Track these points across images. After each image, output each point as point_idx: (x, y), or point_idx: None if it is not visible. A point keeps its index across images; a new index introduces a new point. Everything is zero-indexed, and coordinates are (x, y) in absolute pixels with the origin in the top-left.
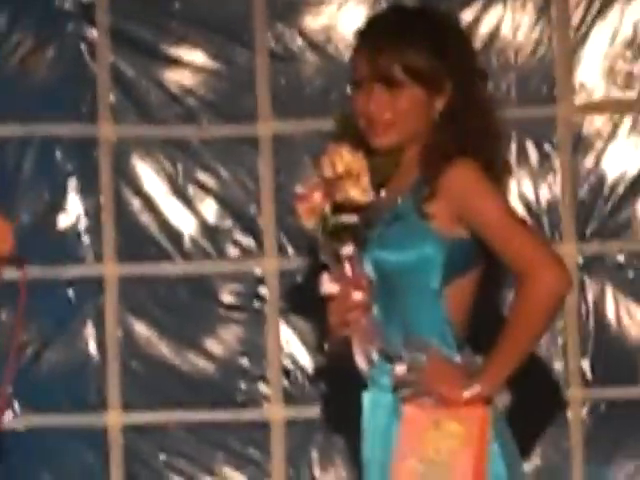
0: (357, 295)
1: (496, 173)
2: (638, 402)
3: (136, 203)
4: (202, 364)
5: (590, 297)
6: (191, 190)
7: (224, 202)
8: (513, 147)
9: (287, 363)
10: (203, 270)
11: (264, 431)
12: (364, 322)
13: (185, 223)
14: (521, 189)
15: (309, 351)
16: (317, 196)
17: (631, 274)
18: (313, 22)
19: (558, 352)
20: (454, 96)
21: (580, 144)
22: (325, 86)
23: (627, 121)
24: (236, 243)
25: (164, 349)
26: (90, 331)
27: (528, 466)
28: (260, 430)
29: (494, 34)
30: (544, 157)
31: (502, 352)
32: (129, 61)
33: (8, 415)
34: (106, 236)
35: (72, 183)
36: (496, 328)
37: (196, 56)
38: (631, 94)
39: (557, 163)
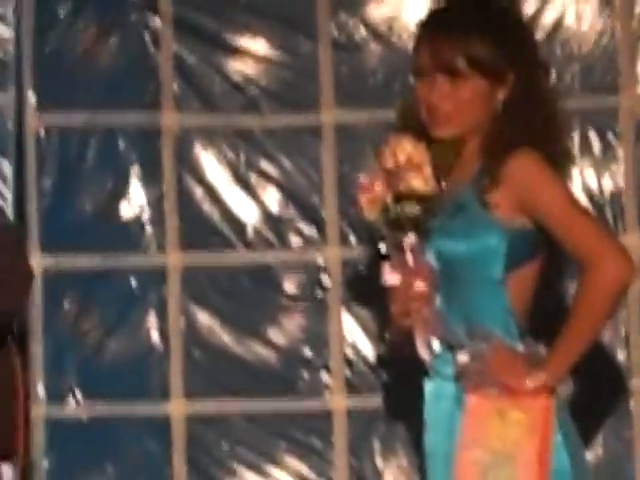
0: (419, 285)
1: (558, 163)
2: None
3: (199, 192)
4: (264, 353)
5: None
6: (253, 179)
7: (287, 191)
8: (576, 137)
9: (349, 353)
10: (266, 259)
11: (326, 421)
12: (426, 312)
13: (248, 212)
14: (584, 179)
15: (371, 340)
16: (379, 187)
17: None
18: (376, 12)
19: (621, 342)
20: (516, 87)
21: None
22: (388, 76)
23: None
24: (299, 232)
25: (226, 338)
26: (153, 320)
27: (590, 456)
28: (322, 420)
29: (558, 24)
30: (607, 147)
31: (566, 341)
32: (192, 50)
33: (71, 404)
34: (169, 225)
35: (135, 172)
36: (557, 318)
37: (259, 45)
38: None
39: (620, 153)
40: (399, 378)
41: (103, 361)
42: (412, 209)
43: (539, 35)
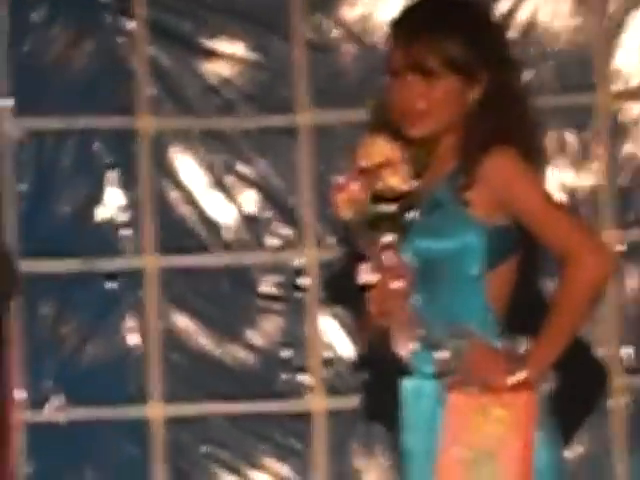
0: (396, 284)
1: (533, 161)
2: None
3: (175, 195)
4: (243, 355)
5: (631, 285)
6: (230, 181)
7: (263, 193)
8: (553, 135)
9: (328, 353)
10: (243, 261)
11: (306, 422)
12: (404, 311)
13: (225, 214)
14: (561, 177)
15: (350, 341)
16: (355, 186)
17: None
18: (350, 12)
19: (599, 340)
20: (489, 85)
21: (619, 131)
22: (363, 76)
23: None
24: (276, 234)
25: (205, 341)
26: (131, 324)
27: (570, 454)
28: (302, 421)
29: (531, 22)
30: (583, 145)
31: (547, 336)
32: (167, 53)
33: (50, 408)
34: (146, 228)
35: (111, 176)
36: (536, 313)
37: (234, 47)
38: None
39: (596, 151)
40: (378, 378)
41: (82, 365)
42: (389, 208)
43: (513, 33)
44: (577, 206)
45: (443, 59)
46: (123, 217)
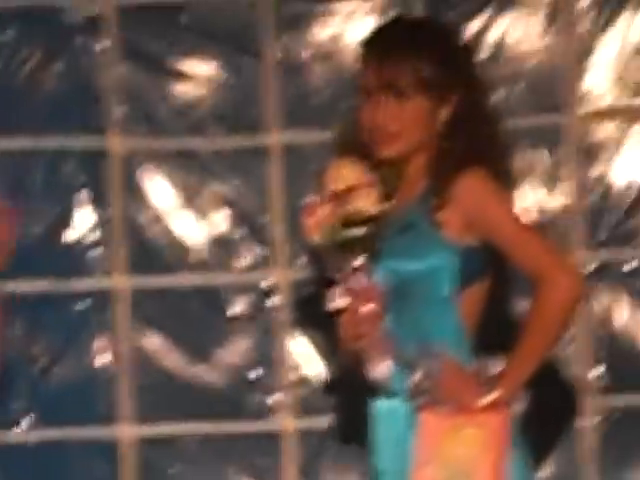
0: (368, 307)
1: (503, 182)
2: None
3: (146, 216)
4: (213, 376)
5: (601, 305)
6: (201, 201)
7: (235, 213)
8: (523, 155)
9: (297, 374)
10: (213, 281)
11: (276, 442)
12: (376, 333)
13: (196, 234)
14: (532, 197)
15: (320, 361)
16: (324, 210)
17: None
18: (320, 32)
19: (569, 360)
20: (459, 106)
21: (589, 152)
22: (333, 96)
23: (636, 128)
24: (246, 254)
25: (175, 361)
26: (101, 344)
27: (541, 474)
28: (272, 441)
29: (501, 43)
30: (553, 165)
31: (519, 357)
32: (137, 73)
33: (20, 428)
34: (116, 249)
35: (81, 196)
36: (506, 333)
37: (204, 68)
38: (639, 102)
39: (566, 171)
40: (349, 398)
41: (52, 385)
42: (359, 231)
43: (483, 54)
44: (548, 225)
45: (415, 79)
46: (93, 237)
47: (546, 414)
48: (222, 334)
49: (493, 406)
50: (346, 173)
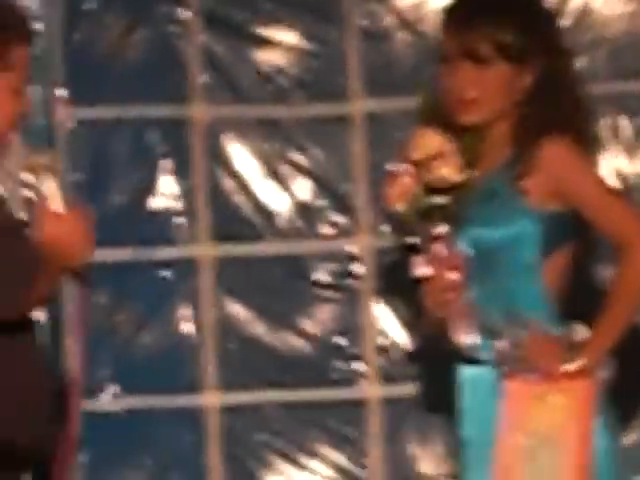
0: (452, 275)
1: (587, 148)
2: None
3: (229, 183)
4: (298, 343)
5: None
6: (284, 170)
7: (317, 181)
8: (606, 121)
9: (383, 341)
10: (297, 250)
11: (360, 409)
12: (461, 301)
13: (279, 203)
14: (615, 163)
15: (405, 329)
16: (407, 178)
17: None
18: (403, 0)
19: None
20: (541, 73)
21: None
22: (417, 64)
23: None
24: (330, 222)
25: (260, 329)
26: (185, 313)
27: (627, 440)
28: (356, 408)
29: (584, 9)
30: (637, 131)
31: (604, 323)
32: (220, 42)
33: (106, 397)
34: (200, 217)
35: (165, 164)
36: (593, 301)
37: (287, 36)
38: None
39: None
40: (433, 366)
41: (137, 354)
42: (442, 199)
43: (566, 21)
44: (631, 192)
45: (495, 46)
46: (177, 206)
47: (631, 381)
48: (306, 302)
49: (579, 373)
50: (428, 141)
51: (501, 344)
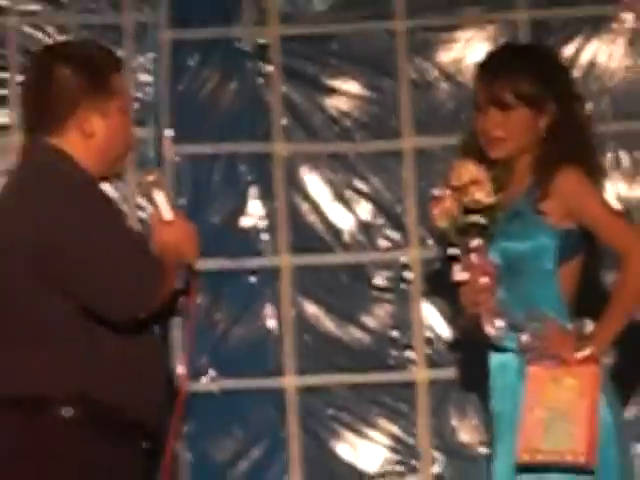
0: (484, 280)
1: (594, 176)
2: None
3: (304, 206)
4: (360, 336)
5: None
6: (348, 195)
7: (375, 204)
8: (609, 155)
9: (429, 334)
10: (359, 259)
11: (411, 389)
12: (491, 301)
13: (344, 221)
14: (616, 189)
15: (447, 323)
16: (448, 201)
17: None
18: (446, 56)
19: None
20: (557, 115)
21: None
22: (456, 108)
23: None
24: (386, 237)
25: (329, 324)
26: (269, 311)
27: (628, 414)
28: (408, 389)
29: (592, 63)
30: (635, 163)
31: (609, 319)
32: (297, 91)
33: (206, 380)
34: (281, 233)
35: (253, 191)
36: (599, 301)
37: (351, 86)
38: None
39: None
40: (470, 353)
41: (230, 345)
42: (476, 218)
43: (577, 72)
44: (630, 212)
45: (516, 95)
46: (262, 224)
47: (630, 366)
48: (367, 302)
49: (587, 360)
50: (465, 171)
51: (524, 336)
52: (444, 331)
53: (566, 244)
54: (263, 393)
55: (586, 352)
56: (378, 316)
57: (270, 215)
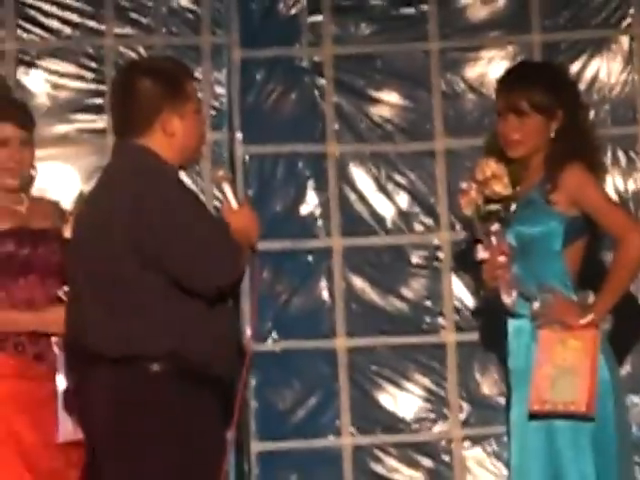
0: (502, 258)
1: (596, 172)
2: None
3: (353, 197)
4: (400, 305)
5: None
6: (390, 187)
7: (412, 195)
8: (608, 154)
9: (457, 303)
10: (399, 241)
11: (442, 350)
12: (508, 276)
13: (386, 209)
14: (615, 183)
15: (472, 294)
16: (473, 192)
17: None
18: (472, 72)
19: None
20: (564, 121)
21: None
22: (480, 115)
23: None
24: (421, 223)
25: (374, 295)
26: (323, 284)
27: (623, 371)
28: (439, 349)
29: (595, 78)
30: (630, 161)
31: (606, 291)
32: (347, 101)
33: (270, 341)
34: (333, 219)
35: (309, 184)
36: (599, 277)
37: (392, 96)
38: None
39: (639, 165)
40: (491, 319)
41: (290, 312)
42: (496, 207)
43: (582, 85)
44: (626, 203)
45: (530, 103)
46: (318, 212)
47: (625, 331)
48: (405, 277)
49: (589, 325)
50: (488, 167)
51: (535, 305)
52: (469, 301)
53: (571, 229)
54: (318, 353)
55: (588, 319)
56: (414, 289)
57: (324, 204)
